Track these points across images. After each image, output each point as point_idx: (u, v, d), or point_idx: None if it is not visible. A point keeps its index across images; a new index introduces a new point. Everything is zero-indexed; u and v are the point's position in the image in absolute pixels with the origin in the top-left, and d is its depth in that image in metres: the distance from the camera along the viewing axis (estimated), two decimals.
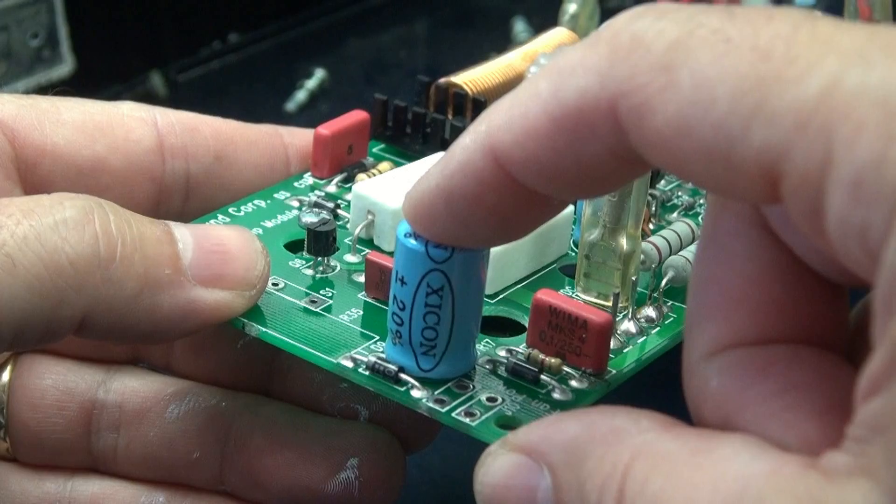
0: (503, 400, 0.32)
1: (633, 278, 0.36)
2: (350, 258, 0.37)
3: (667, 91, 0.24)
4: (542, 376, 0.33)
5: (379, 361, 0.33)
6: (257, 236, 0.36)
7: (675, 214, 0.40)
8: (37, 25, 0.58)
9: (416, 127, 0.42)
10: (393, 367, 0.32)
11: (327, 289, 0.36)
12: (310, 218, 0.37)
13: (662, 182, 0.41)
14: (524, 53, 0.44)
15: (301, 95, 0.64)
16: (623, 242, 0.35)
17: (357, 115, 0.41)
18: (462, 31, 0.71)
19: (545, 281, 0.37)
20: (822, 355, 0.27)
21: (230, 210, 0.39)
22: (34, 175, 0.37)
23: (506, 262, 0.36)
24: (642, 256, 0.36)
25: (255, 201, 0.39)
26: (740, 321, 0.27)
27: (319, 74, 0.65)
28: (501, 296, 0.36)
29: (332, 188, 0.40)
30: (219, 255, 0.34)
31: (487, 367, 0.33)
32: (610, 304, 0.35)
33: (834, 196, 0.23)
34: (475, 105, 0.42)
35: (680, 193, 0.41)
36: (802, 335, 0.27)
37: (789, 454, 0.25)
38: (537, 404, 0.32)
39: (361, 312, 0.35)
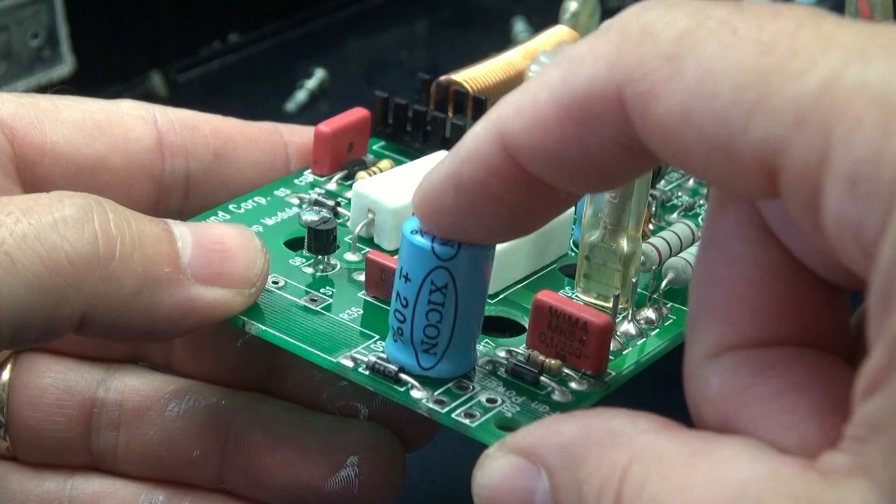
0: (503, 401, 0.32)
1: (634, 280, 0.36)
2: (350, 257, 0.37)
3: (672, 80, 0.25)
4: (542, 378, 0.33)
5: (379, 361, 0.33)
6: (257, 234, 0.35)
7: (674, 215, 0.40)
8: (37, 25, 0.58)
9: (417, 125, 0.42)
10: (393, 367, 0.32)
11: (327, 287, 0.36)
12: (310, 216, 0.37)
13: (662, 182, 0.41)
14: (525, 51, 0.44)
15: (301, 95, 0.64)
16: (623, 244, 0.35)
17: (358, 113, 0.41)
18: (462, 31, 0.71)
19: (545, 281, 0.37)
20: (822, 357, 0.27)
21: (230, 207, 0.39)
22: (33, 173, 0.37)
23: (506, 262, 0.36)
24: (642, 258, 0.36)
25: (255, 198, 0.39)
26: (741, 323, 0.27)
27: (319, 74, 0.65)
28: (501, 296, 0.36)
29: (332, 185, 0.40)
30: (218, 254, 0.34)
31: (487, 367, 0.33)
32: (610, 305, 0.35)
33: (831, 191, 0.23)
34: (476, 103, 0.42)
35: (680, 194, 0.41)
36: (803, 337, 0.27)
37: (788, 456, 0.25)
38: (537, 406, 0.32)
39: (361, 311, 0.35)
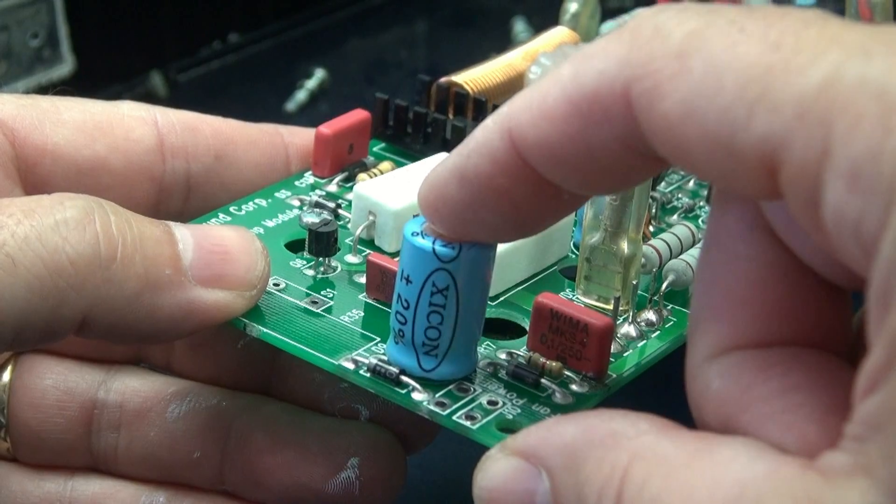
0: (504, 403, 0.32)
1: (634, 282, 0.36)
2: (351, 259, 0.37)
3: (678, 76, 0.25)
4: (543, 380, 0.33)
5: (380, 363, 0.33)
6: (258, 236, 0.36)
7: (675, 217, 0.40)
8: (37, 25, 0.58)
9: (417, 126, 0.42)
10: (394, 370, 0.32)
11: (328, 289, 0.36)
12: (311, 218, 0.38)
13: (662, 185, 0.41)
14: (525, 53, 0.44)
15: (301, 95, 0.64)
16: (624, 246, 0.35)
17: (358, 115, 0.41)
18: (462, 31, 0.71)
19: (546, 283, 0.37)
20: (823, 357, 0.27)
21: (230, 209, 0.39)
22: (34, 175, 0.37)
23: (506, 263, 0.36)
24: (643, 260, 0.36)
25: (256, 200, 0.39)
26: (743, 323, 0.27)
27: (319, 74, 0.65)
28: (502, 298, 0.36)
29: (332, 187, 0.40)
30: (219, 256, 0.34)
31: (488, 370, 0.33)
32: (610, 307, 0.35)
33: (831, 188, 0.23)
34: (476, 105, 0.42)
35: (680, 196, 0.41)
36: (805, 337, 0.27)
37: (788, 456, 0.25)
38: (538, 408, 0.32)
39: (362, 313, 0.35)
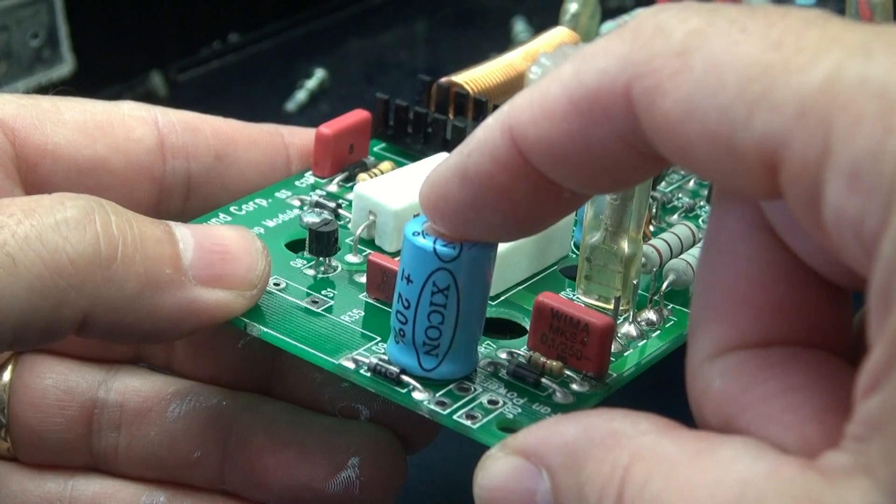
0: (504, 403, 0.32)
1: (634, 281, 0.36)
2: (351, 258, 0.37)
3: (680, 74, 0.25)
4: (543, 379, 0.33)
5: (381, 363, 0.33)
6: (258, 236, 0.36)
7: (675, 216, 0.40)
8: (37, 25, 0.58)
9: (418, 127, 0.42)
10: (395, 369, 0.32)
11: (328, 289, 0.36)
12: (311, 218, 0.38)
13: (663, 184, 0.41)
14: (525, 53, 0.44)
15: (301, 95, 0.64)
16: (624, 246, 0.35)
17: (358, 115, 0.41)
18: (462, 31, 0.71)
19: (546, 283, 0.37)
20: (824, 357, 0.27)
21: (231, 209, 0.39)
22: (35, 175, 0.37)
23: (507, 263, 0.36)
24: (643, 259, 0.36)
25: (256, 200, 0.39)
26: (743, 323, 0.27)
27: (319, 74, 0.65)
28: (502, 297, 0.36)
29: (333, 187, 0.40)
30: (219, 255, 0.34)
31: (489, 369, 0.33)
32: (611, 307, 0.35)
33: (831, 186, 0.23)
34: (476, 105, 0.42)
35: (680, 196, 0.41)
36: (805, 337, 0.27)
37: (789, 456, 0.25)
38: (538, 407, 0.32)
39: (363, 313, 0.35)
